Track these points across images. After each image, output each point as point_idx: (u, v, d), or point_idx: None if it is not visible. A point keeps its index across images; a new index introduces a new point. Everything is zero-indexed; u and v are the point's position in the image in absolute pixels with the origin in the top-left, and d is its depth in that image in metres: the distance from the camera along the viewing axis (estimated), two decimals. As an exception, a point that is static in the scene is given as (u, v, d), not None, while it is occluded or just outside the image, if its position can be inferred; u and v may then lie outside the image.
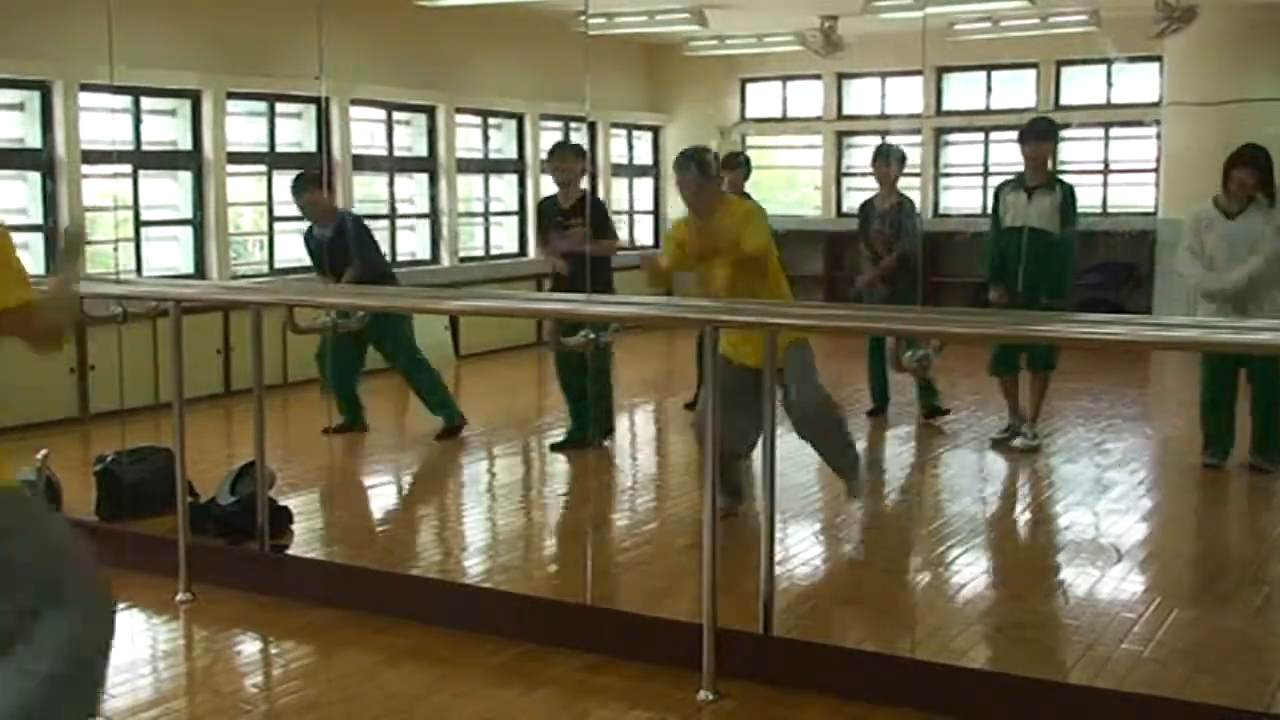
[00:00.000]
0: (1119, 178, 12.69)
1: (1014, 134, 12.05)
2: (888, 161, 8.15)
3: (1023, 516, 6.42)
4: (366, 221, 8.33)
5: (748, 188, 8.44)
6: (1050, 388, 7.53)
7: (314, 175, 8.33)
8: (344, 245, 7.70)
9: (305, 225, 8.25)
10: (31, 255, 8.64)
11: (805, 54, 12.62)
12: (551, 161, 7.52)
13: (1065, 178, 8.03)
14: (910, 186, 13.23)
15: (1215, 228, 6.71)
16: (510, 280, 11.27)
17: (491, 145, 12.41)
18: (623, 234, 13.64)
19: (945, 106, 13.48)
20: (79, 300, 3.12)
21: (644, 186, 14.12)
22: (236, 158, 9.81)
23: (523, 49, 11.81)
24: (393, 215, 11.17)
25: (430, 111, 11.44)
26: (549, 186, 7.68)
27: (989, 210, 7.78)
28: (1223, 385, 6.81)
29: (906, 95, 13.67)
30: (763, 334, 5.44)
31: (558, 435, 7.65)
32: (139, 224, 9.10)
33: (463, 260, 11.76)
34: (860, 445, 8.13)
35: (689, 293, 5.98)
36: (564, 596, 4.76)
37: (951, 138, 13.57)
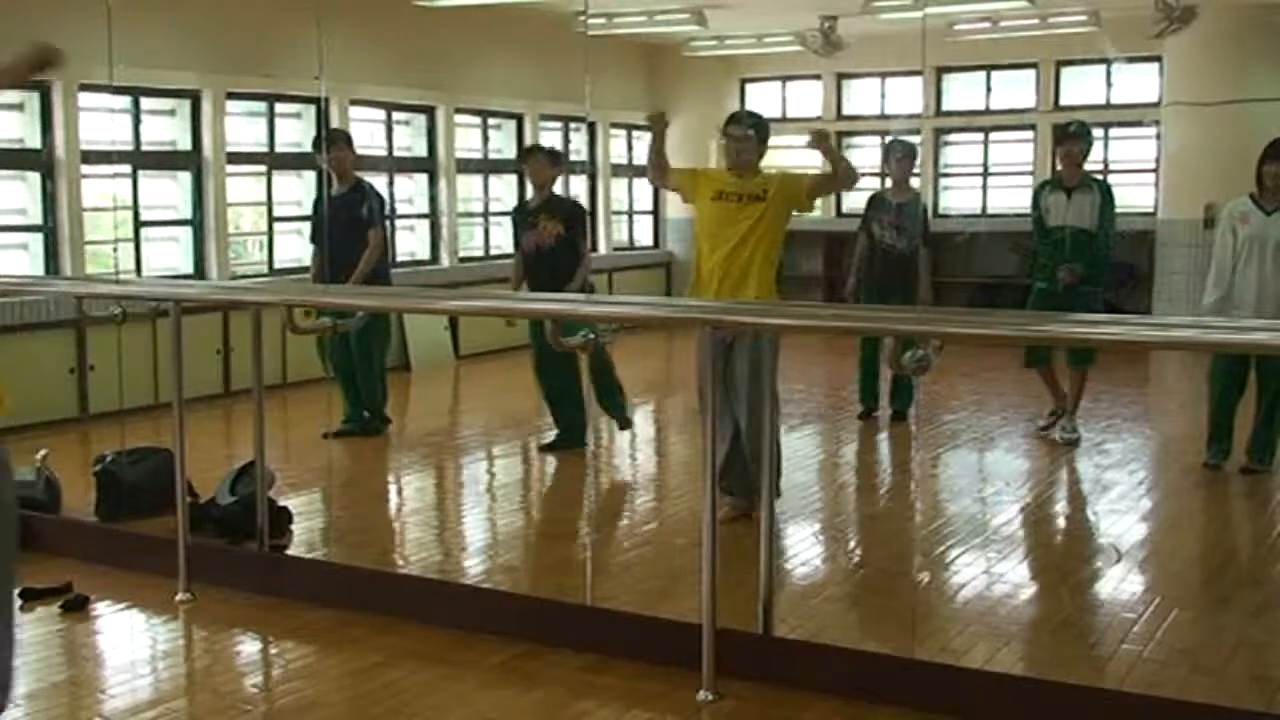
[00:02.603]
0: (1119, 178, 12.66)
1: (1013, 134, 12.20)
2: (902, 156, 8.17)
3: (1023, 516, 6.42)
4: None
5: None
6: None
7: (345, 134, 8.39)
8: (354, 204, 7.72)
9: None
10: (31, 256, 8.65)
11: (805, 54, 12.61)
12: (526, 164, 7.56)
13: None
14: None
15: (1250, 221, 6.68)
16: (509, 280, 11.26)
17: (491, 145, 12.41)
18: (623, 234, 13.67)
19: (945, 106, 13.49)
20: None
21: (644, 187, 14.11)
22: (236, 158, 9.80)
23: (523, 49, 11.81)
24: (392, 215, 11.15)
25: (430, 112, 11.44)
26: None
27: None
28: (1235, 386, 6.81)
29: (906, 95, 13.67)
30: (760, 291, 5.57)
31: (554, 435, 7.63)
32: (138, 224, 9.09)
33: (462, 260, 11.76)
34: (852, 447, 8.17)
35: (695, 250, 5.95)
36: (563, 596, 4.75)
37: (951, 138, 13.57)
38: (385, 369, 8.14)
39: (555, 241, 7.21)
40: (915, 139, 13.10)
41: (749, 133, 5.84)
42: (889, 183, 8.24)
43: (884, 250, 8.05)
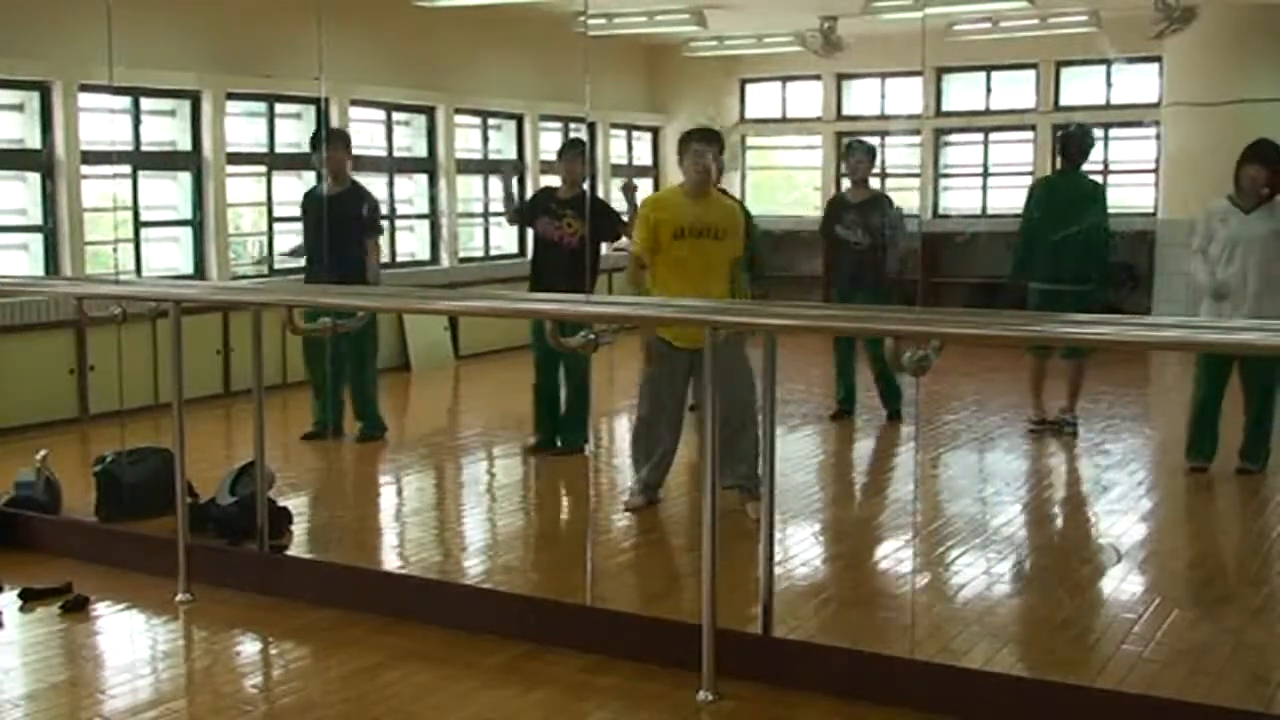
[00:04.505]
0: (1119, 178, 12.69)
1: (1013, 134, 12.25)
2: (861, 157, 8.25)
3: (1022, 516, 6.42)
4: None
5: (748, 187, 8.49)
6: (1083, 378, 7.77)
7: (343, 134, 8.34)
8: (347, 204, 7.65)
9: (302, 225, 8.24)
10: (31, 256, 8.65)
11: (805, 54, 12.62)
12: (564, 160, 7.46)
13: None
14: (910, 186, 13.27)
15: (1230, 222, 6.69)
16: (510, 280, 11.28)
17: (491, 145, 12.40)
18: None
19: (945, 107, 13.49)
20: None
21: (644, 187, 14.08)
22: (236, 158, 9.80)
23: (523, 49, 11.80)
24: (392, 216, 11.16)
25: (430, 112, 11.44)
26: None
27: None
28: (1220, 387, 6.81)
29: (906, 95, 13.67)
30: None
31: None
32: (138, 224, 9.08)
33: (462, 260, 11.76)
34: (850, 447, 8.16)
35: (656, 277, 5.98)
36: (564, 596, 4.75)
37: (951, 138, 13.57)
38: (377, 374, 8.09)
39: (577, 243, 7.19)
40: (914, 139, 13.13)
41: (711, 152, 5.93)
42: (847, 184, 8.36)
43: (852, 248, 8.15)
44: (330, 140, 7.96)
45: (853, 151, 8.35)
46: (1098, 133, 12.39)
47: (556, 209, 7.27)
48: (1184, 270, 7.08)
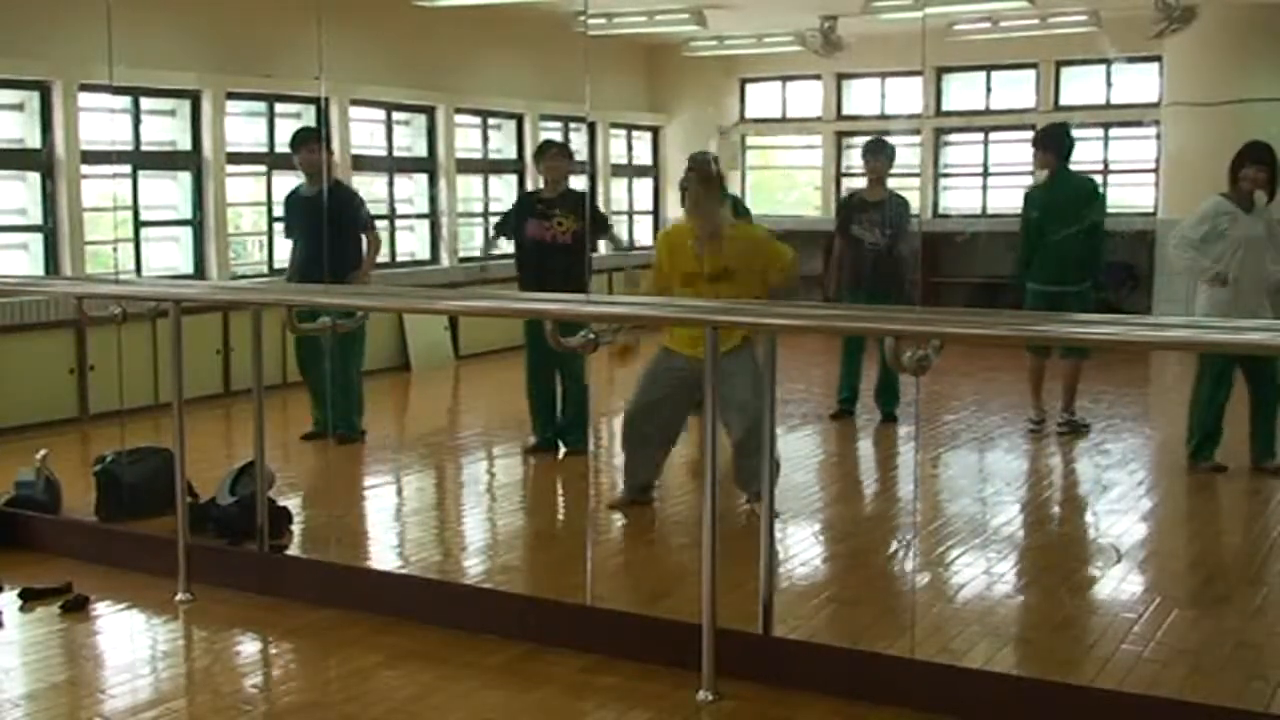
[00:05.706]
0: (1119, 178, 12.69)
1: (1013, 134, 12.27)
2: (879, 156, 8.21)
3: (1022, 516, 6.42)
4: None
5: (748, 187, 8.47)
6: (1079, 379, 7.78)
7: (314, 130, 8.35)
8: (332, 204, 7.56)
9: (287, 226, 8.25)
10: (31, 256, 8.65)
11: (805, 54, 12.62)
12: (544, 161, 7.42)
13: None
14: (910, 186, 13.26)
15: (1237, 221, 6.69)
16: (509, 280, 11.26)
17: (491, 145, 12.40)
18: (624, 234, 13.67)
19: (945, 107, 13.49)
20: None
21: (643, 187, 14.11)
22: (236, 158, 9.80)
23: (523, 49, 11.80)
24: (392, 215, 11.17)
25: (430, 112, 11.44)
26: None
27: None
28: (1226, 386, 6.81)
29: (906, 95, 13.68)
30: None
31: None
32: (138, 224, 9.09)
33: (462, 260, 11.75)
34: (849, 447, 8.17)
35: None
36: (563, 596, 4.75)
37: (951, 138, 13.57)
38: (361, 377, 8.07)
39: (571, 239, 7.17)
40: (914, 139, 13.12)
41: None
42: (858, 183, 8.33)
43: (870, 249, 8.11)
44: (308, 140, 7.97)
45: (872, 151, 8.32)
46: (1098, 132, 12.49)
47: (544, 209, 7.24)
48: (1185, 270, 7.06)
